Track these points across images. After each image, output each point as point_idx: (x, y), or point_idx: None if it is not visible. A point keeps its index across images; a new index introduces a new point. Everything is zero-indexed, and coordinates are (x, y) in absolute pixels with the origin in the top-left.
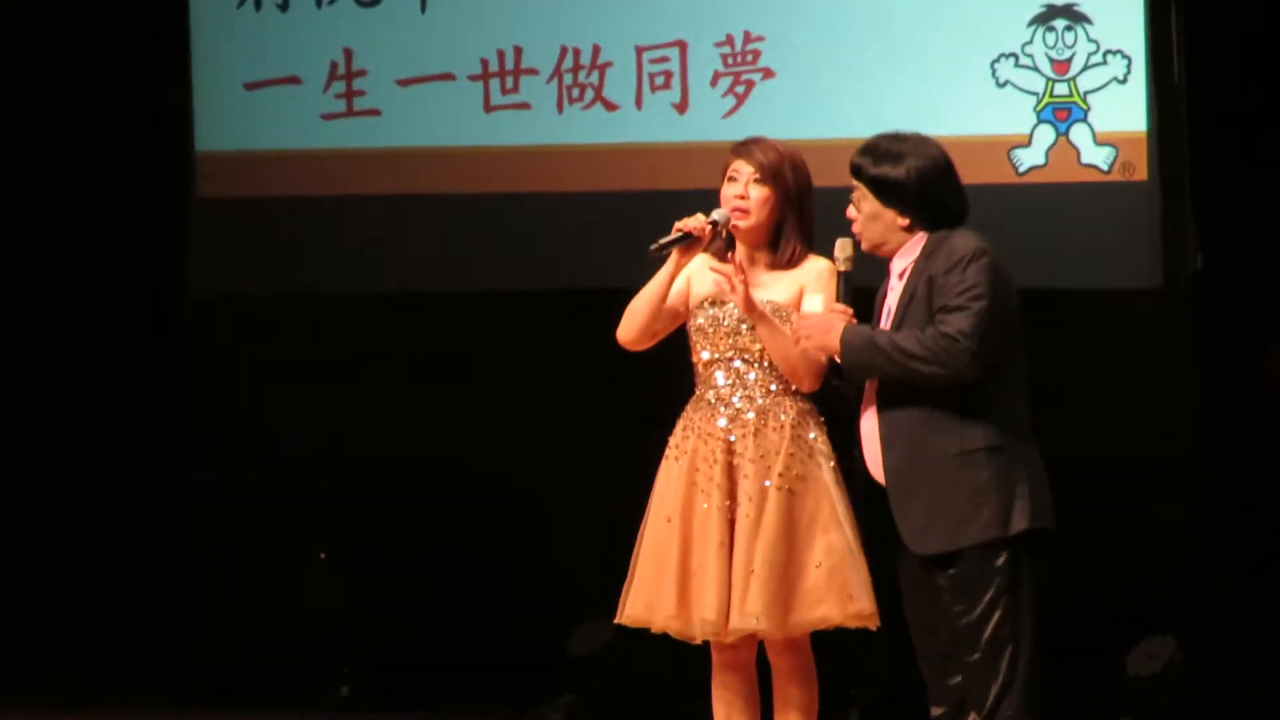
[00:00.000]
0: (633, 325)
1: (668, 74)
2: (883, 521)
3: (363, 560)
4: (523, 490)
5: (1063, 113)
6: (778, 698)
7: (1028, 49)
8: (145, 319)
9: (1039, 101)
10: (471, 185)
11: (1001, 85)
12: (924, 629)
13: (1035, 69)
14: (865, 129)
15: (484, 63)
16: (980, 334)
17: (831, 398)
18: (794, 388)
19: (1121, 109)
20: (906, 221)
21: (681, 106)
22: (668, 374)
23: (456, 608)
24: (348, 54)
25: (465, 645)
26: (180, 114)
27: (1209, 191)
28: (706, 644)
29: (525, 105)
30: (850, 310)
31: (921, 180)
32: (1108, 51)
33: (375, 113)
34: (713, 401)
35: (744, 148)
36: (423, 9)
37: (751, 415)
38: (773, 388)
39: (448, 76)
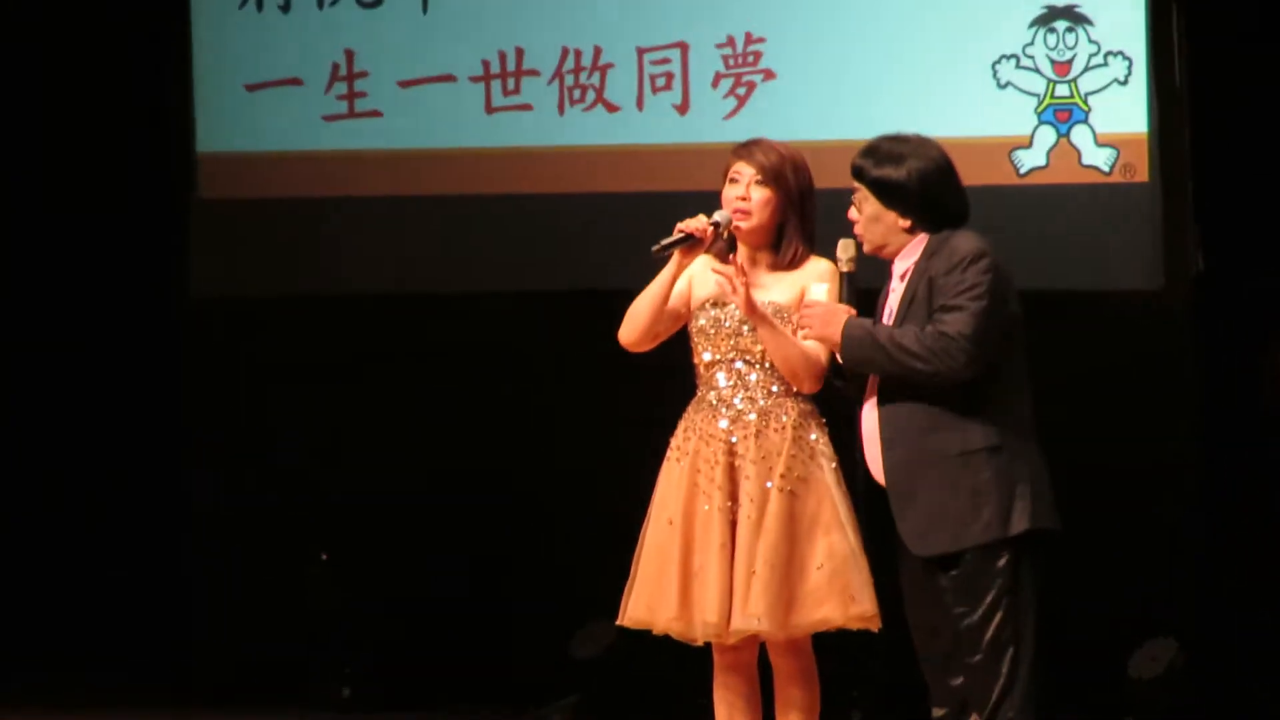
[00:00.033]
0: (634, 327)
1: (669, 75)
2: (884, 523)
3: (363, 560)
4: (523, 490)
5: (1064, 114)
6: (779, 699)
7: (1028, 50)
8: (145, 319)
9: (1040, 103)
10: (473, 186)
11: (1002, 87)
12: (925, 630)
13: (1036, 70)
14: (866, 130)
15: (485, 64)
16: (978, 334)
17: (833, 399)
18: (795, 389)
19: (1122, 110)
20: (908, 223)
21: (683, 108)
22: (669, 375)
23: (457, 608)
24: (349, 55)
25: (466, 646)
26: (181, 115)
27: (1210, 193)
28: (708, 645)
29: (526, 106)
30: (854, 311)
31: (923, 182)
32: (1109, 53)
33: (376, 114)
34: (714, 403)
35: (745, 149)
36: (424, 10)
37: (753, 416)
38: (774, 389)
39: (449, 78)
